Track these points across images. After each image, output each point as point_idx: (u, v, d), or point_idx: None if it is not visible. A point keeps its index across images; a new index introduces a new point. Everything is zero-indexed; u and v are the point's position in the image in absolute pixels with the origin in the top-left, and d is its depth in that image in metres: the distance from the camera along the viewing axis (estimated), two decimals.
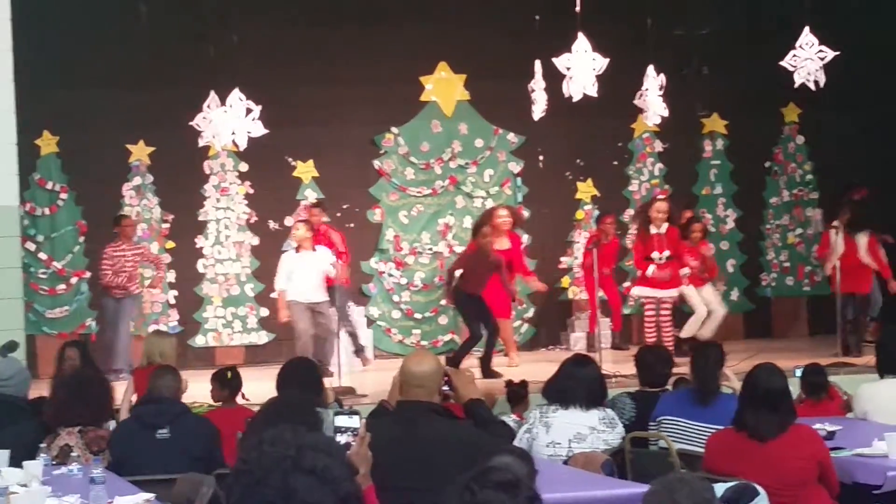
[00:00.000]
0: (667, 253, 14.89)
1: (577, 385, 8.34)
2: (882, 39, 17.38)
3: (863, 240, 15.58)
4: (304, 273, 14.76)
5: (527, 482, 4.36)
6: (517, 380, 11.29)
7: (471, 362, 14.41)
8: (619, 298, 16.85)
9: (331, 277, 14.82)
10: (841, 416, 9.30)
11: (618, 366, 13.76)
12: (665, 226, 14.97)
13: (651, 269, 14.93)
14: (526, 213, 17.62)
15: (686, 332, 15.17)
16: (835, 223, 15.74)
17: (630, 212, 18.06)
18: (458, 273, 14.91)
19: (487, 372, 14.36)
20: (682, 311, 15.50)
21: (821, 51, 12.43)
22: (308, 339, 14.76)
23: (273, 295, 15.48)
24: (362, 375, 14.64)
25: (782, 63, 12.65)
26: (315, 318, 14.81)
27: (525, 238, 16.99)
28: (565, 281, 17.78)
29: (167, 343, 11.34)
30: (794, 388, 9.45)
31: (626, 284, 17.26)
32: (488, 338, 14.70)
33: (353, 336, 15.45)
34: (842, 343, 15.13)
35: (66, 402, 8.17)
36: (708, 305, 15.45)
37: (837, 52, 12.44)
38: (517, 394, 10.86)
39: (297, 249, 14.94)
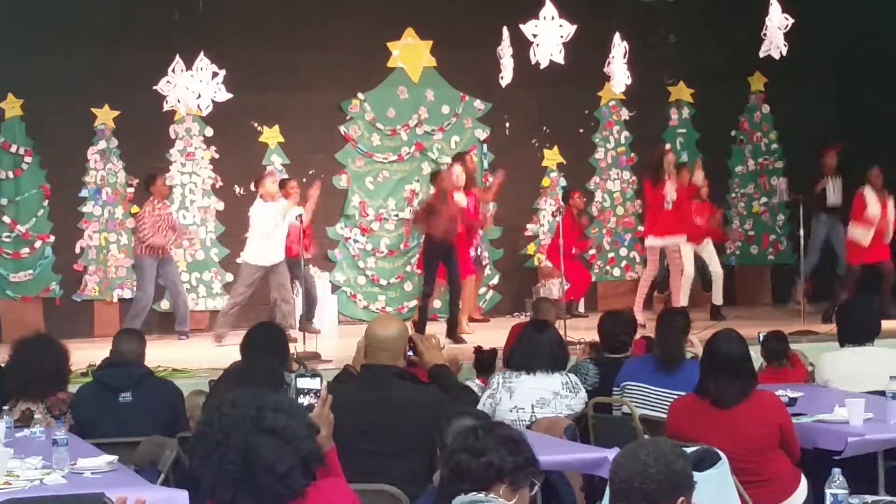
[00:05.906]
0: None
1: (540, 349, 8.37)
2: (849, 8, 17.42)
3: (890, 200, 15.29)
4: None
5: (529, 446, 4.38)
6: (486, 347, 11.00)
7: (437, 328, 14.41)
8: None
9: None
10: (803, 384, 9.36)
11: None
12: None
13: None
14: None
15: (683, 299, 14.91)
16: (866, 186, 15.34)
17: (596, 179, 18.09)
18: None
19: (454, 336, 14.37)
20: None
21: (783, 19, 12.38)
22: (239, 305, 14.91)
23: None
24: (327, 341, 14.63)
25: (762, 35, 12.57)
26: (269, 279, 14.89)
27: (491, 206, 16.94)
28: (531, 248, 17.79)
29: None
30: (758, 356, 9.53)
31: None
32: (451, 299, 14.69)
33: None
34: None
35: (18, 376, 8.04)
36: (711, 264, 15.77)
37: (793, 21, 12.35)
38: (486, 362, 10.60)
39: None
